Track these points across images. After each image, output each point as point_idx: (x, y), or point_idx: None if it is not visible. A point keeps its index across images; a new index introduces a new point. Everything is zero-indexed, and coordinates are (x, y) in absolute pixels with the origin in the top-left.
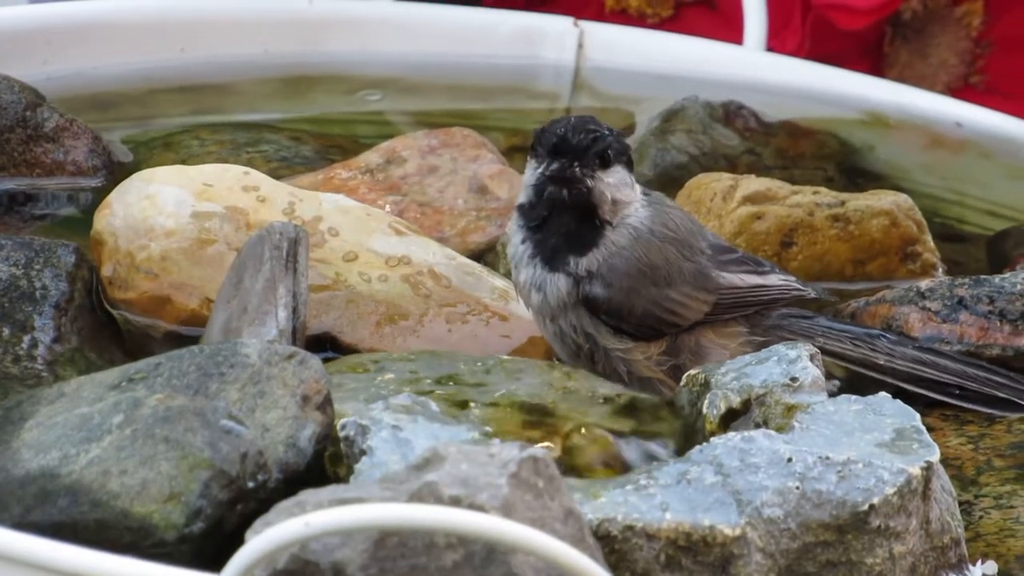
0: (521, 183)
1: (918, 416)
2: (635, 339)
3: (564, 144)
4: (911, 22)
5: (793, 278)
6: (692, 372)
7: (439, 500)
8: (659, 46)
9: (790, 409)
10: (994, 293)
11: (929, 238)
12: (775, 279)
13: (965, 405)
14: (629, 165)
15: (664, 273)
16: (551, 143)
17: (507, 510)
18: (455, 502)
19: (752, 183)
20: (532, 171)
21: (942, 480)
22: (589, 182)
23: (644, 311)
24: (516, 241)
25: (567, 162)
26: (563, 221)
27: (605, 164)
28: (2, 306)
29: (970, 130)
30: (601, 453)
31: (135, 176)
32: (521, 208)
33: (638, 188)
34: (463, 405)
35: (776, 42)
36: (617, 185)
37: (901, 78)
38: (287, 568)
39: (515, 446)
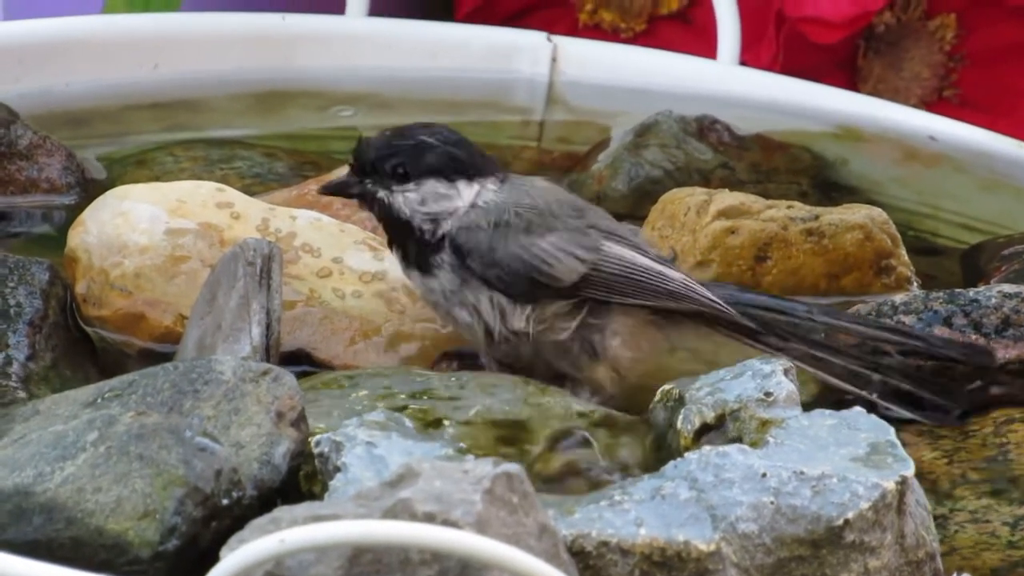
0: None
1: (893, 431)
2: (510, 297)
3: (357, 159)
4: (885, 35)
5: (711, 296)
6: (666, 387)
7: (413, 516)
8: (633, 60)
9: (764, 424)
10: (969, 307)
11: (903, 252)
12: (678, 276)
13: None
14: (450, 172)
15: (527, 222)
16: (351, 158)
17: (481, 526)
18: (429, 518)
19: (726, 197)
20: None
21: (917, 494)
22: (382, 198)
23: (511, 255)
24: (396, 256)
25: (356, 178)
26: (395, 235)
27: (402, 179)
28: None
29: (944, 144)
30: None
31: (109, 193)
32: None
33: (469, 190)
34: (437, 424)
35: (750, 56)
36: (423, 199)
37: (875, 92)
38: None
39: (489, 462)
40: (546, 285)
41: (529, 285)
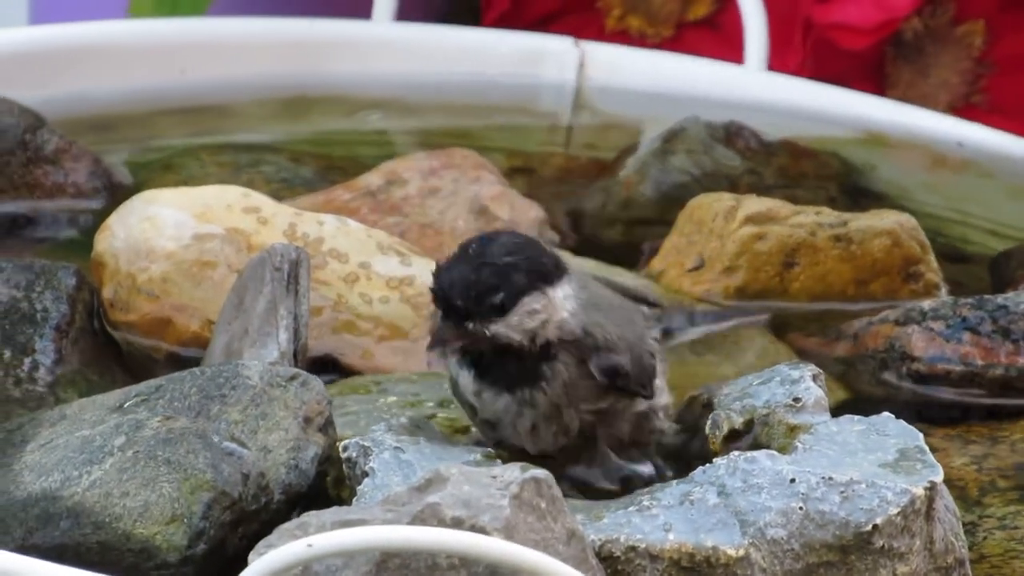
0: None
1: (921, 436)
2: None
3: (448, 306)
4: (913, 42)
5: None
6: (694, 393)
7: (441, 522)
8: (660, 66)
9: (793, 429)
10: (998, 313)
11: (932, 258)
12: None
13: None
14: (540, 282)
15: (631, 324)
16: (437, 298)
17: (509, 532)
18: (457, 524)
19: (754, 203)
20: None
21: (946, 500)
22: (486, 334)
23: (648, 360)
24: (466, 379)
25: (452, 324)
26: (493, 359)
27: (501, 311)
28: (3, 328)
29: (972, 150)
30: None
31: (135, 198)
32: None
33: (559, 293)
34: (465, 431)
35: (777, 62)
36: (522, 321)
37: (903, 98)
38: None
39: (517, 467)
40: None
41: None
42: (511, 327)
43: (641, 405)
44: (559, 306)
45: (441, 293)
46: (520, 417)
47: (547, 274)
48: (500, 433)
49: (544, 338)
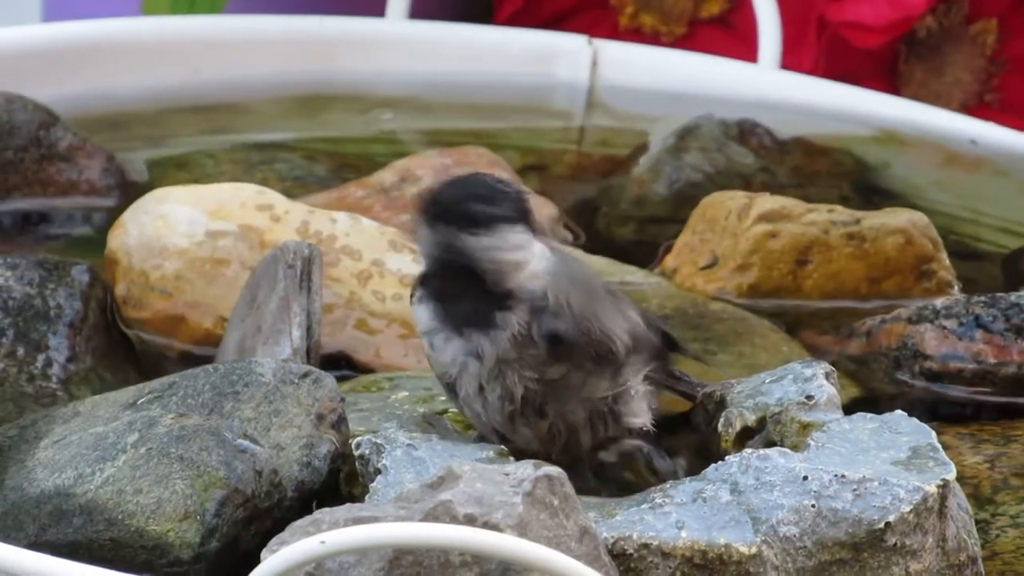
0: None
1: (934, 434)
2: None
3: (436, 207)
4: (926, 40)
5: None
6: (707, 390)
7: (454, 519)
8: (674, 64)
9: (805, 427)
10: (1010, 311)
11: (944, 256)
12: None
13: None
14: (523, 223)
15: (596, 303)
16: (425, 205)
17: (522, 529)
18: (470, 521)
19: (767, 201)
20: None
21: (958, 498)
22: (457, 242)
23: (600, 337)
24: (423, 314)
25: (427, 225)
26: (456, 288)
27: (473, 224)
28: (17, 325)
29: (985, 148)
30: None
31: (149, 195)
32: (422, 277)
33: (538, 245)
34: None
35: (791, 60)
36: (497, 247)
37: (916, 96)
38: None
39: (530, 465)
40: (610, 355)
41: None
42: (484, 248)
43: (600, 392)
44: (536, 255)
45: (424, 196)
46: (466, 371)
47: (531, 222)
48: (459, 399)
49: (510, 282)
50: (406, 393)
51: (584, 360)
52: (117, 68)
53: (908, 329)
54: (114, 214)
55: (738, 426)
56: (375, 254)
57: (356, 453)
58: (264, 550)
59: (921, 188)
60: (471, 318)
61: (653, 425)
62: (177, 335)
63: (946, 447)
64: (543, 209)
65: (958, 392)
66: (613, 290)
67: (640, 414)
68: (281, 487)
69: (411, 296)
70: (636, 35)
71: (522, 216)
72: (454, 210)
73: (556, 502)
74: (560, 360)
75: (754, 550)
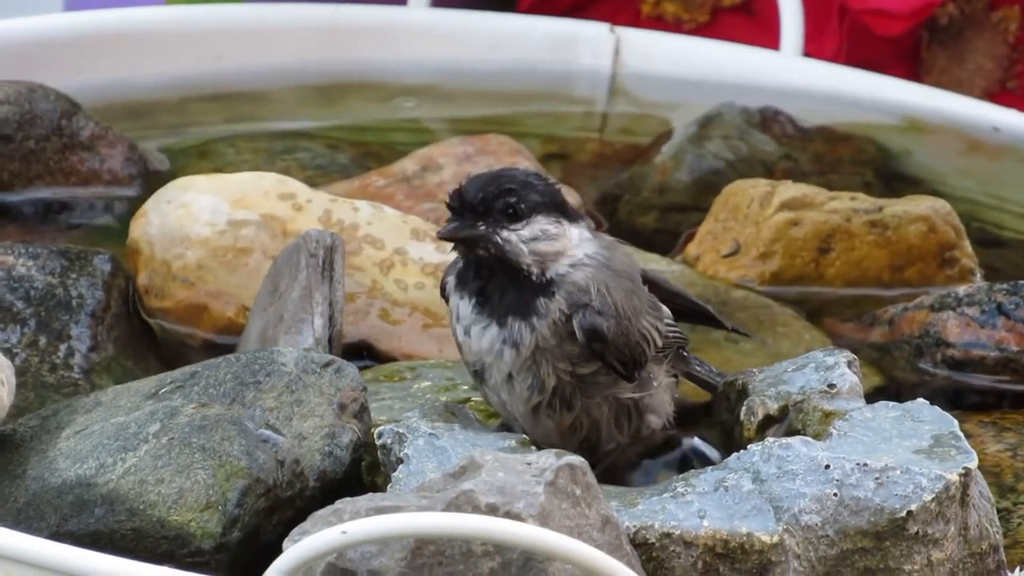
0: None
1: (956, 423)
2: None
3: (463, 202)
4: (948, 27)
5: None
6: (729, 379)
7: (476, 508)
8: (696, 52)
9: (827, 416)
10: None
11: (967, 243)
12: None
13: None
14: (557, 212)
15: (636, 299)
16: (453, 201)
17: (544, 518)
18: (492, 510)
19: (789, 189)
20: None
21: (980, 486)
22: (497, 239)
23: (637, 338)
24: (462, 306)
25: (467, 220)
26: (497, 283)
27: (515, 218)
28: (39, 315)
29: (1008, 135)
30: None
31: (171, 185)
32: (457, 271)
33: (575, 231)
34: (499, 415)
35: (813, 47)
36: (536, 238)
37: (938, 83)
38: None
39: (552, 454)
40: (643, 354)
41: (637, 363)
42: (523, 240)
43: (625, 393)
44: (574, 242)
45: (458, 192)
46: (500, 360)
47: (566, 209)
48: (486, 386)
49: (553, 272)
50: (428, 383)
51: (614, 361)
52: (139, 57)
53: (930, 317)
54: (136, 203)
55: (760, 415)
56: (397, 243)
57: (378, 442)
58: (286, 540)
59: (943, 175)
60: (512, 307)
61: (675, 416)
62: (199, 324)
63: (968, 435)
64: (566, 197)
65: (980, 380)
66: (653, 278)
67: (663, 407)
68: (303, 477)
69: (442, 288)
70: (658, 23)
71: (556, 206)
72: (490, 206)
73: (578, 491)
74: (595, 356)
75: (776, 539)
